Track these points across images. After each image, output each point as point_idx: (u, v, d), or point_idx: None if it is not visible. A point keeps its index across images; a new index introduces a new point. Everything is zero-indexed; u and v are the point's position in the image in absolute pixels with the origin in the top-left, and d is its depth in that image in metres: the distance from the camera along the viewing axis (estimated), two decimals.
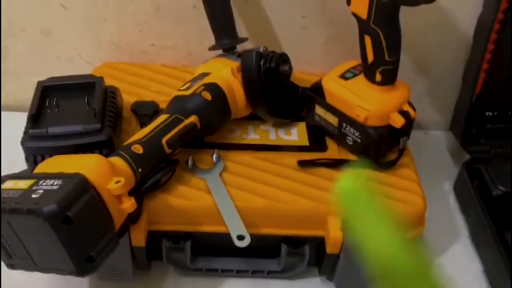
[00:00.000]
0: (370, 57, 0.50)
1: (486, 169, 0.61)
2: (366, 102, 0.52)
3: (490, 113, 0.65)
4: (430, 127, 0.76)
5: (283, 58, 0.57)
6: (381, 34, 0.48)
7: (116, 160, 0.45)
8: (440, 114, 0.74)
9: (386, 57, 0.49)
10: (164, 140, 0.49)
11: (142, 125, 0.55)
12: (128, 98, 0.60)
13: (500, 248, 0.54)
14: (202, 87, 0.53)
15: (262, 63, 0.56)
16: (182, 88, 0.54)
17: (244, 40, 0.59)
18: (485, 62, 0.61)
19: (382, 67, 0.50)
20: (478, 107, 0.65)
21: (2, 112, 0.70)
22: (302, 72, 0.68)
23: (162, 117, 0.51)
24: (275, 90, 0.57)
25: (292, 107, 0.60)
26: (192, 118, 0.51)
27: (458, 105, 0.67)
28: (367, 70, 0.52)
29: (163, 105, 0.56)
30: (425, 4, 0.44)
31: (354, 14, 0.50)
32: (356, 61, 0.55)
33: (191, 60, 0.68)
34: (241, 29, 0.65)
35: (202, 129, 0.52)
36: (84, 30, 0.66)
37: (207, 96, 0.52)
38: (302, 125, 0.60)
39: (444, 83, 0.70)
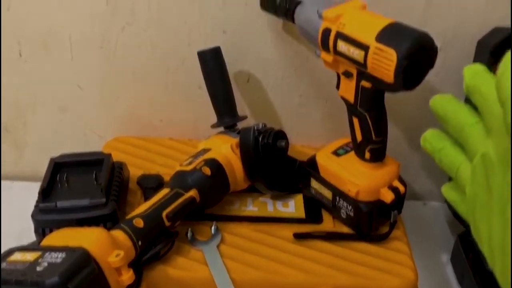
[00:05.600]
0: (359, 137, 0.54)
1: None
2: (357, 178, 0.55)
3: None
4: (428, 198, 0.78)
5: (280, 134, 0.61)
6: (367, 117, 0.52)
7: (117, 233, 0.48)
8: (437, 186, 0.76)
9: (373, 137, 0.53)
10: (164, 214, 0.52)
11: (146, 198, 0.59)
12: (135, 171, 0.64)
13: None
14: (203, 163, 0.56)
15: (260, 138, 0.59)
16: (184, 164, 0.57)
17: (243, 118, 0.63)
18: None
19: (370, 145, 0.54)
20: None
21: (19, 182, 0.75)
22: (302, 146, 0.72)
23: (164, 191, 0.54)
24: (273, 164, 0.61)
25: (290, 180, 0.63)
26: (192, 192, 0.54)
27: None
28: (357, 148, 0.55)
29: (167, 178, 0.60)
30: (405, 91, 0.47)
31: (343, 98, 0.54)
32: (348, 138, 0.59)
33: (197, 134, 0.72)
34: (243, 107, 0.70)
35: (202, 202, 0.55)
36: (97, 107, 0.71)
37: (207, 171, 0.56)
38: (300, 197, 0.63)
39: None
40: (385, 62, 0.45)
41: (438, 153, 0.39)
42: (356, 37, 0.47)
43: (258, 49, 0.66)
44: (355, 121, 0.53)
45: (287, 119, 0.71)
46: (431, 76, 0.67)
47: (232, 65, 0.66)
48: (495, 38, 0.59)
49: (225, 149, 0.58)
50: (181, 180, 0.55)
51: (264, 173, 0.60)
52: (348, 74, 0.51)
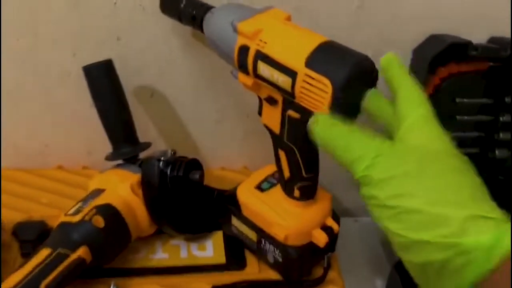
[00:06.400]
0: (286, 173, 0.45)
1: None
2: (285, 220, 0.46)
3: None
4: (360, 214, 0.71)
5: (193, 164, 0.51)
6: (296, 151, 0.42)
7: None
8: None
9: (303, 174, 0.44)
10: (43, 286, 0.40)
11: (23, 255, 0.46)
12: (12, 215, 0.52)
13: None
14: (94, 211, 0.45)
15: (168, 171, 0.49)
16: (70, 212, 0.45)
17: (146, 146, 0.52)
18: None
19: (299, 183, 0.45)
20: None
21: None
22: (221, 168, 0.62)
23: (42, 253, 0.42)
24: (184, 201, 0.50)
25: (207, 217, 0.54)
26: (80, 251, 0.43)
27: None
28: (284, 185, 0.46)
29: (53, 222, 0.48)
30: None
31: (266, 127, 0.44)
32: (273, 165, 0.50)
33: (92, 160, 0.60)
34: (147, 127, 0.58)
35: (94, 261, 0.44)
36: None
37: (99, 222, 0.44)
38: (219, 236, 0.53)
39: None
40: (317, 93, 0.36)
41: None
42: (280, 60, 0.37)
43: (162, 58, 0.54)
44: (282, 154, 0.44)
45: (202, 139, 0.61)
46: None
47: (130, 78, 0.54)
48: (433, 47, 0.53)
49: (123, 189, 0.47)
50: (65, 235, 0.43)
51: (174, 214, 0.49)
52: (272, 101, 0.41)
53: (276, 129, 0.43)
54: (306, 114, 0.38)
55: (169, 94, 0.57)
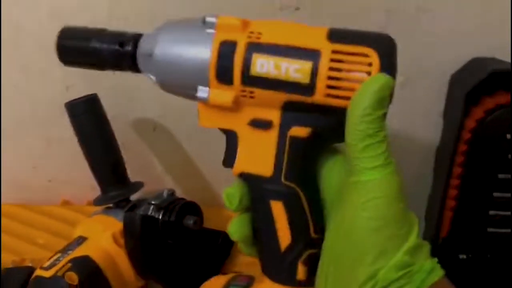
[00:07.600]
0: (285, 238, 0.31)
1: None
2: None
3: (465, 256, 0.52)
4: None
5: (190, 208, 0.46)
6: (300, 193, 0.30)
7: None
8: None
9: (312, 233, 0.31)
10: None
11: None
12: (6, 257, 0.49)
13: None
14: (69, 265, 0.41)
15: (160, 216, 0.44)
16: (45, 265, 0.41)
17: (137, 187, 0.47)
18: (449, 199, 0.49)
19: (308, 250, 0.31)
20: (449, 248, 0.52)
21: None
22: None
23: None
24: (178, 250, 0.45)
25: (208, 267, 0.48)
26: None
27: None
28: (279, 266, 0.31)
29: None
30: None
31: (246, 175, 0.31)
32: (224, 276, 0.39)
33: (96, 195, 0.56)
34: (152, 163, 0.54)
35: None
36: None
37: (73, 279, 0.40)
38: None
39: None
40: (357, 69, 0.28)
41: None
42: (290, 43, 0.29)
43: None
44: (276, 208, 0.31)
45: (212, 176, 0.55)
46: (396, 113, 0.52)
47: (131, 110, 0.50)
48: (473, 74, 0.44)
49: (105, 239, 0.43)
50: None
51: (164, 267, 0.44)
52: (263, 124, 0.30)
53: (267, 168, 0.30)
54: (328, 118, 0.29)
55: (174, 127, 0.52)
